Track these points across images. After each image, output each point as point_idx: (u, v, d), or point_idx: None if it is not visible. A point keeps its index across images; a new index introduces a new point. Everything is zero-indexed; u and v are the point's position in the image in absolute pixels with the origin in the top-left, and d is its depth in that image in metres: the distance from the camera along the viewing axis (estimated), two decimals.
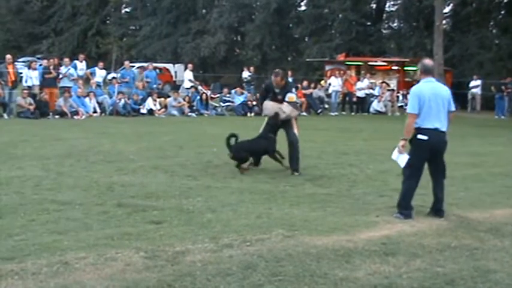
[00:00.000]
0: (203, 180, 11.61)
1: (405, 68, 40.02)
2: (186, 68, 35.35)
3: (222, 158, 14.25)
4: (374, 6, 54.00)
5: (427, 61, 9.40)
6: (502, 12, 45.88)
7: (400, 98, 36.20)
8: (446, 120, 9.06)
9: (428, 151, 8.99)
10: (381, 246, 7.42)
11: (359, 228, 8.28)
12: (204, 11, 57.85)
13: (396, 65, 39.66)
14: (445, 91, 9.15)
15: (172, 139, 18.04)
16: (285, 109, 12.78)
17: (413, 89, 9.25)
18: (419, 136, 8.93)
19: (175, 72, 48.41)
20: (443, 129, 9.01)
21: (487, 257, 7.17)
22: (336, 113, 32.57)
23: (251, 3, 54.57)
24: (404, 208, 9.05)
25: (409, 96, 9.56)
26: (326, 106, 33.42)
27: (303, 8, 55.85)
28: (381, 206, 9.80)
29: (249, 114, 29.35)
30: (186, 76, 33.74)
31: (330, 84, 34.19)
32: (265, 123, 13.32)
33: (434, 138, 8.93)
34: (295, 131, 12.98)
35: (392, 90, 35.69)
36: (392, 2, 53.67)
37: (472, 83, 37.30)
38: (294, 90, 13.62)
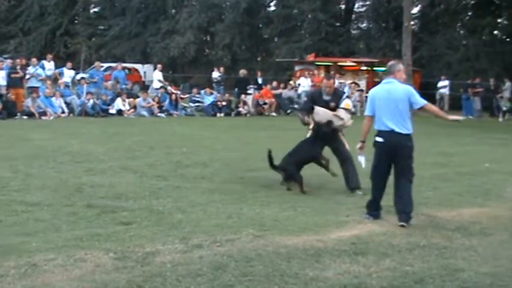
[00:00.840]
0: (173, 180, 11.57)
1: (374, 69, 40.17)
2: (155, 68, 35.25)
3: (192, 158, 14.26)
4: (343, 6, 54.21)
5: (391, 62, 9.39)
6: (469, 13, 46.32)
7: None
8: (406, 122, 8.79)
9: (386, 153, 8.87)
10: (350, 246, 7.45)
11: (329, 228, 8.31)
12: (173, 11, 57.59)
13: (365, 66, 39.82)
14: (401, 91, 8.82)
15: (142, 140, 17.96)
16: (343, 115, 11.24)
17: (370, 91, 9.39)
18: (376, 138, 8.93)
19: (145, 72, 48.21)
20: (402, 131, 8.74)
21: (456, 256, 7.23)
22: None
23: (221, 3, 54.45)
24: (374, 209, 9.06)
25: None
26: (296, 106, 33.45)
27: (273, 8, 55.88)
28: (351, 205, 9.84)
29: (218, 114, 29.31)
30: (155, 76, 33.66)
31: (299, 84, 34.24)
32: (308, 135, 11.65)
33: (390, 140, 8.76)
34: (347, 146, 11.35)
35: (362, 90, 35.84)
36: (361, 3, 53.94)
37: (440, 83, 37.58)
38: (345, 96, 11.98)
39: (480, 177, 13.21)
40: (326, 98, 11.31)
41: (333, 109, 11.23)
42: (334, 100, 11.32)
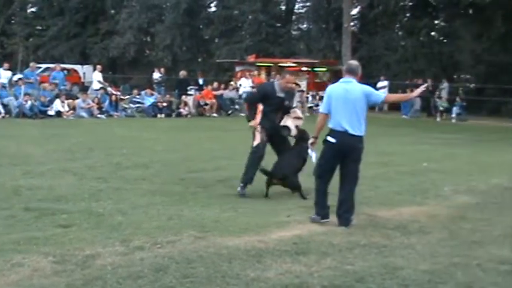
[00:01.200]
0: (113, 182, 11.46)
1: (315, 69, 40.48)
2: (94, 69, 34.89)
3: (132, 159, 14.16)
4: (284, 7, 54.49)
5: (350, 61, 9.41)
6: (407, 15, 47.01)
7: (310, 98, 36.61)
8: (361, 123, 8.65)
9: (336, 154, 8.71)
10: (292, 246, 7.47)
11: (270, 229, 8.32)
12: (113, 11, 57.18)
13: (306, 66, 40.07)
14: (359, 91, 8.69)
15: (81, 141, 17.75)
16: (300, 114, 11.30)
17: (327, 88, 9.13)
18: (328, 138, 8.72)
19: (84, 73, 47.61)
20: (355, 132, 8.58)
21: (395, 254, 7.31)
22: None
23: (161, 3, 54.20)
24: (321, 208, 8.89)
25: None
26: (237, 107, 33.48)
27: (213, 9, 55.90)
28: (292, 206, 9.88)
29: (159, 115, 29.15)
30: (94, 77, 33.35)
31: (240, 85, 34.29)
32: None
33: (342, 142, 8.60)
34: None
35: (302, 91, 36.04)
36: (301, 4, 54.31)
37: (380, 84, 37.97)
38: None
39: (419, 176, 13.42)
40: (280, 94, 10.87)
41: (288, 108, 11.05)
42: (288, 98, 11.06)
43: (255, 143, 10.85)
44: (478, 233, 8.48)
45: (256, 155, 10.81)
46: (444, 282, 6.36)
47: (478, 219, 9.40)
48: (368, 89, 8.86)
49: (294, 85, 11.51)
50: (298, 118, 11.12)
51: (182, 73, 34.01)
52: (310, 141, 9.38)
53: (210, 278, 6.25)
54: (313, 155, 9.79)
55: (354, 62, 9.21)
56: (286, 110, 11.03)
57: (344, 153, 8.68)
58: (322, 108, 9.00)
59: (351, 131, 8.58)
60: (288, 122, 10.90)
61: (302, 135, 10.92)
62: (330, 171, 8.92)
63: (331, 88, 9.00)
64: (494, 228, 8.84)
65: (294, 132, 10.96)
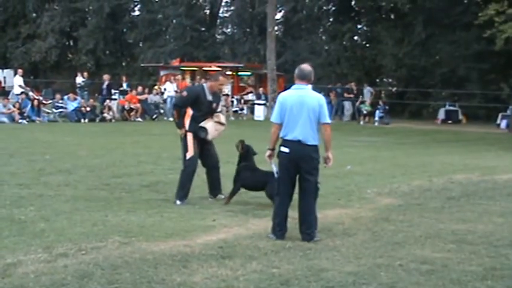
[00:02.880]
0: (36, 188, 11.25)
1: (239, 73, 40.62)
2: (15, 74, 34.24)
3: (55, 165, 13.94)
4: (208, 11, 54.49)
5: (303, 66, 8.66)
6: (331, 19, 47.61)
7: (235, 103, 36.72)
8: (315, 132, 8.27)
9: (291, 165, 8.25)
10: (217, 250, 7.47)
11: (196, 233, 8.31)
12: (34, 14, 56.12)
13: (230, 70, 40.14)
14: (314, 100, 8.33)
15: (2, 147, 17.37)
16: (223, 120, 10.91)
17: (279, 96, 8.61)
18: (282, 148, 8.32)
19: (4, 77, 46.61)
20: (309, 142, 8.20)
21: (320, 257, 7.38)
22: (171, 119, 32.51)
23: (83, 7, 53.50)
24: (278, 229, 8.36)
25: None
26: (161, 111, 33.33)
27: (137, 12, 55.53)
28: (217, 210, 9.88)
29: (82, 120, 28.76)
30: (15, 82, 32.78)
31: (165, 89, 34.13)
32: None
33: (297, 151, 8.20)
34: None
35: (227, 95, 36.09)
36: (225, 8, 54.41)
37: None
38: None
39: (343, 179, 13.58)
40: (209, 98, 10.61)
41: (215, 110, 10.75)
42: (216, 101, 10.77)
43: (188, 155, 10.50)
44: (400, 234, 8.64)
45: (191, 169, 10.54)
46: (368, 283, 6.45)
47: (401, 220, 9.58)
48: (323, 100, 8.49)
49: (222, 87, 11.30)
50: (221, 123, 10.77)
51: (106, 77, 33.64)
52: (267, 153, 8.73)
53: (135, 284, 6.20)
54: (274, 168, 9.58)
55: (307, 67, 8.63)
56: (212, 113, 10.76)
57: (299, 163, 8.25)
58: (275, 117, 8.39)
59: (306, 141, 8.21)
60: (209, 124, 10.54)
61: (247, 151, 10.65)
62: (289, 185, 8.44)
63: (284, 96, 8.48)
64: (416, 229, 9.01)
65: (211, 136, 10.61)
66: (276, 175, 8.68)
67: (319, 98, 8.46)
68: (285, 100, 8.35)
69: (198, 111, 10.56)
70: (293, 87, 8.51)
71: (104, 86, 31.92)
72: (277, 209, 8.47)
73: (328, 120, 8.44)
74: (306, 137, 8.19)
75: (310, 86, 8.55)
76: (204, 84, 11.15)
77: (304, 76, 8.49)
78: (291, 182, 8.41)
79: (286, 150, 8.26)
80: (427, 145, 23.23)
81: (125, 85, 34.30)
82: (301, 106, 8.23)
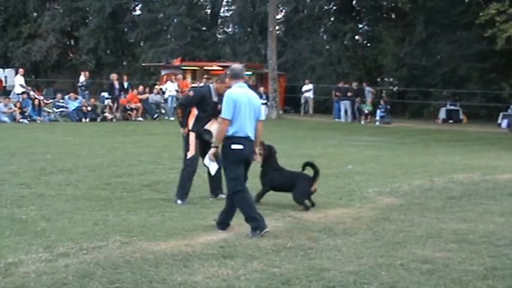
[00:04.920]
0: (37, 188, 11.25)
1: None
2: (17, 73, 34.23)
3: (56, 164, 13.94)
4: (209, 11, 54.43)
5: (236, 65, 9.08)
6: (332, 19, 47.56)
7: None
8: (254, 128, 8.62)
9: (243, 161, 8.49)
10: (218, 250, 7.47)
11: (197, 232, 8.31)
12: (35, 14, 56.10)
13: None
14: (256, 98, 8.77)
15: (3, 146, 17.38)
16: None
17: (229, 93, 8.61)
18: (234, 146, 8.40)
19: (6, 77, 46.73)
20: (253, 138, 8.60)
21: (321, 256, 7.38)
22: (172, 118, 32.55)
23: (84, 7, 53.47)
24: (254, 220, 8.39)
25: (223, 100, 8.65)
26: (162, 111, 33.31)
27: (138, 12, 55.44)
28: (218, 209, 9.81)
29: (83, 120, 28.75)
30: (17, 81, 32.77)
31: (166, 89, 34.10)
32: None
33: (248, 148, 8.49)
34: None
35: None
36: (226, 8, 54.38)
37: (305, 88, 38.32)
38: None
39: (344, 179, 13.58)
40: (215, 99, 10.64)
41: (219, 111, 10.07)
42: (221, 102, 10.12)
43: (189, 154, 10.61)
44: (401, 234, 8.63)
45: (191, 168, 10.61)
46: (369, 283, 6.45)
47: (402, 220, 9.57)
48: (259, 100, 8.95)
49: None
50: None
51: (114, 76, 33.60)
52: (212, 151, 8.92)
53: (136, 283, 6.20)
54: (214, 166, 9.60)
55: (237, 66, 9.07)
56: (217, 115, 10.56)
57: (248, 159, 8.56)
58: (227, 114, 8.40)
59: (252, 137, 8.57)
60: (213, 127, 10.44)
61: (270, 151, 10.63)
62: (243, 179, 8.60)
63: (235, 94, 8.53)
64: (417, 228, 9.01)
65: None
66: (212, 173, 9.29)
67: (257, 97, 8.94)
68: (237, 97, 8.50)
69: (203, 112, 10.63)
70: (237, 85, 8.67)
71: (116, 85, 31.83)
72: (245, 204, 8.53)
73: (264, 118, 8.94)
74: (252, 134, 8.56)
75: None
76: (211, 85, 11.09)
77: (237, 75, 8.77)
78: (244, 176, 8.62)
79: (240, 147, 8.42)
80: (428, 145, 23.21)
81: (125, 84, 34.25)
82: (249, 103, 8.54)
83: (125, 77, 35.68)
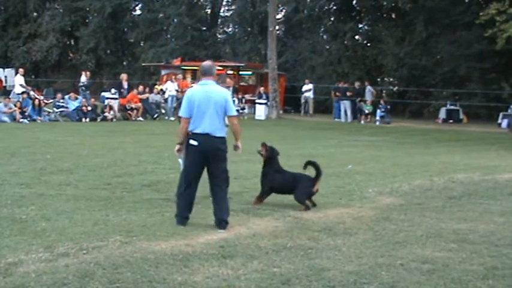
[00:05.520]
0: (37, 188, 11.24)
1: (240, 73, 40.59)
2: (17, 73, 34.22)
3: (56, 164, 13.93)
4: (209, 11, 54.45)
5: (206, 63, 9.27)
6: (332, 19, 47.55)
7: (236, 102, 36.67)
8: (222, 125, 8.86)
9: (200, 157, 8.78)
10: (218, 249, 7.48)
11: (197, 232, 8.32)
12: (35, 14, 56.08)
13: (231, 70, 40.10)
14: (220, 95, 8.87)
15: (3, 146, 17.36)
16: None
17: (187, 91, 9.18)
18: (190, 141, 8.79)
19: (6, 77, 46.71)
20: (217, 134, 8.76)
21: (321, 256, 7.38)
22: (173, 118, 32.55)
23: (85, 6, 53.46)
24: (179, 214, 8.89)
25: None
26: (163, 111, 33.30)
27: (138, 12, 55.44)
28: None
29: (84, 119, 28.73)
30: (17, 81, 32.78)
31: (166, 88, 34.09)
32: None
33: (206, 144, 8.71)
34: None
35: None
36: (226, 7, 54.39)
37: (305, 87, 38.32)
38: None
39: (344, 179, 13.59)
40: None
41: None
42: None
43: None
44: (401, 234, 8.64)
45: None
46: (369, 283, 6.46)
47: (402, 220, 9.58)
48: (228, 95, 9.08)
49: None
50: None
51: (124, 76, 33.54)
52: (177, 147, 9.19)
53: (136, 283, 6.20)
54: (181, 161, 9.80)
55: (208, 63, 9.26)
56: None
57: (208, 155, 8.77)
58: (184, 112, 8.88)
59: (214, 134, 8.75)
60: None
61: (272, 153, 10.61)
62: (197, 174, 8.95)
63: (192, 92, 9.03)
64: (417, 228, 9.02)
65: None
66: (181, 167, 9.48)
67: (225, 93, 9.04)
68: (193, 95, 8.88)
69: None
70: (199, 83, 9.12)
71: (125, 86, 31.83)
72: (180, 198, 8.99)
73: (235, 113, 9.09)
74: (213, 130, 8.74)
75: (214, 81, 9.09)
76: None
77: (206, 72, 9.05)
78: (198, 172, 8.94)
79: (195, 143, 8.77)
80: (428, 144, 23.20)
81: (125, 84, 34.24)
82: (208, 101, 8.75)
83: (125, 77, 35.68)
